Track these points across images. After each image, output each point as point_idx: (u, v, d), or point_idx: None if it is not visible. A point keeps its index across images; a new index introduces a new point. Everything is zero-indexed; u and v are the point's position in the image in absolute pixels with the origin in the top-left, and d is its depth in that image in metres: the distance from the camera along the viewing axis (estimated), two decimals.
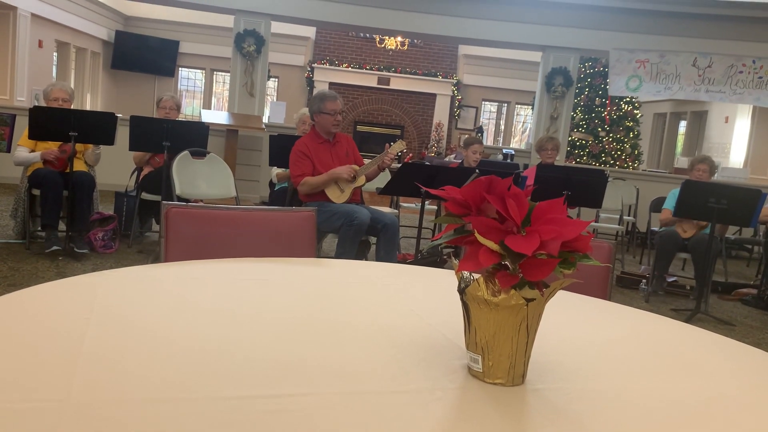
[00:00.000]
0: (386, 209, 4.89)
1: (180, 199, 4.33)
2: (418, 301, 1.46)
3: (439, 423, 0.86)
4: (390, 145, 4.13)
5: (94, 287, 1.27)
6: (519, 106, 14.54)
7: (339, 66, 13.43)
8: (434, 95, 13.81)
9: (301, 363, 1.01)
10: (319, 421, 0.82)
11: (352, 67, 13.47)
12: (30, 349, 0.94)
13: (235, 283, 1.44)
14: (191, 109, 14.10)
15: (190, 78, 14.08)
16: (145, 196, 4.86)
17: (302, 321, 1.24)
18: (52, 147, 4.48)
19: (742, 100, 7.73)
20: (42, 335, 1.00)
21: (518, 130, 14.95)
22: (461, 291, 1.00)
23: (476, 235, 0.93)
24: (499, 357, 0.98)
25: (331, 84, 13.24)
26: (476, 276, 0.99)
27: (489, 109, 14.70)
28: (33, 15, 9.45)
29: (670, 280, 5.39)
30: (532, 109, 9.73)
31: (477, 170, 4.31)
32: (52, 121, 4.24)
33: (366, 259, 4.61)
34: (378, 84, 13.63)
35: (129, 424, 0.76)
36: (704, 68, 7.60)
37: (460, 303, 1.03)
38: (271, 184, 5.59)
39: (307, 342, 1.11)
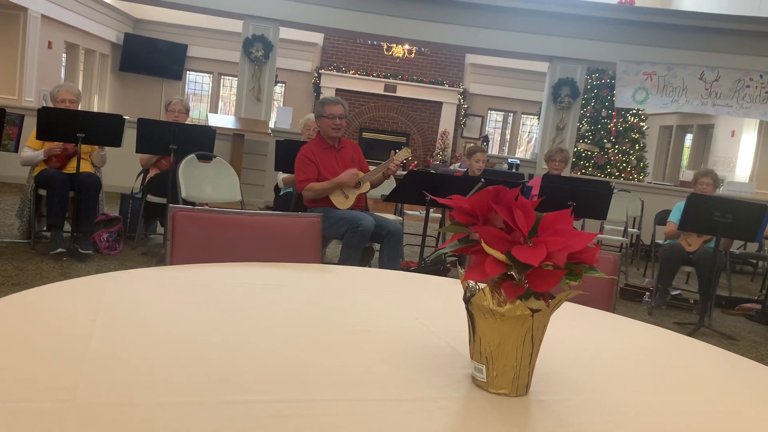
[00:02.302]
0: (390, 216, 4.89)
1: (186, 202, 4.35)
2: (422, 309, 1.46)
3: None
4: (396, 153, 4.14)
5: (101, 288, 1.28)
6: (525, 116, 14.56)
7: (346, 72, 13.47)
8: (440, 103, 13.83)
9: (304, 368, 1.01)
10: (322, 428, 0.82)
11: (359, 74, 13.51)
12: (36, 349, 0.94)
13: (241, 287, 1.44)
14: (198, 112, 14.15)
15: (197, 81, 14.14)
16: (150, 198, 4.87)
17: (307, 326, 1.24)
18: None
19: (748, 114, 7.73)
20: (48, 336, 1.01)
21: (524, 139, 14.96)
22: (467, 300, 1.00)
23: (483, 244, 0.93)
24: (504, 367, 0.98)
25: (337, 90, 13.29)
26: (482, 285, 1.00)
27: (495, 118, 14.72)
28: (43, 16, 9.51)
29: (674, 293, 5.37)
30: (539, 119, 9.74)
31: (482, 179, 4.31)
32: (59, 122, 4.26)
33: (369, 266, 4.61)
34: (384, 91, 13.66)
35: (133, 427, 0.76)
36: (711, 82, 7.60)
37: (464, 312, 1.03)
38: (276, 189, 5.60)
39: (311, 347, 1.11)
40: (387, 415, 0.88)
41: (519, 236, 0.93)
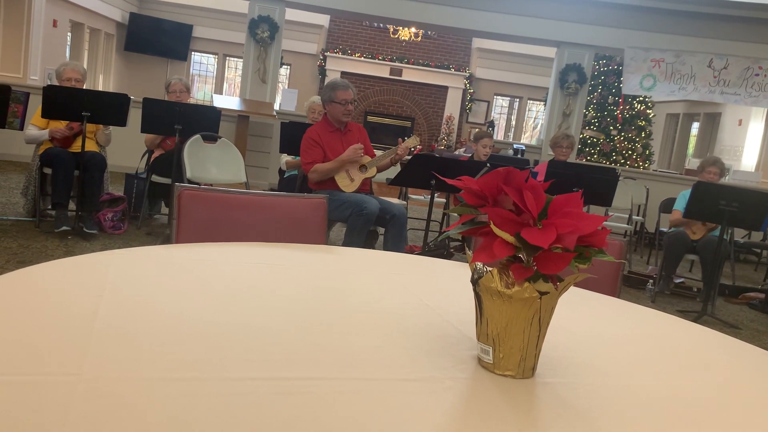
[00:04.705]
0: (395, 200, 4.88)
1: (190, 182, 4.34)
2: (428, 292, 1.46)
3: (448, 412, 0.86)
4: (404, 140, 4.13)
5: (107, 265, 1.28)
6: (531, 101, 14.48)
7: (351, 55, 13.40)
8: (446, 88, 13.76)
9: (310, 348, 1.01)
10: (328, 406, 0.82)
11: (364, 57, 13.44)
12: (43, 324, 0.95)
13: (246, 267, 1.44)
14: (203, 93, 14.11)
15: (202, 62, 14.08)
16: (155, 178, 4.87)
17: (312, 306, 1.24)
18: (62, 125, 4.51)
19: (757, 103, 7.67)
20: (55, 311, 1.01)
21: (529, 125, 14.90)
22: (474, 282, 1.00)
23: (492, 226, 0.92)
24: (510, 349, 0.98)
25: (343, 73, 13.22)
26: (490, 267, 0.99)
27: (501, 103, 14.64)
28: None
29: (677, 281, 5.37)
30: (545, 105, 9.68)
31: (488, 164, 4.30)
32: (65, 101, 4.25)
33: (373, 249, 4.61)
34: (390, 75, 13.59)
35: (139, 401, 0.76)
36: (720, 70, 7.54)
37: (470, 295, 1.02)
38: (281, 172, 5.60)
39: (316, 327, 1.11)
40: (392, 395, 0.88)
41: (528, 218, 0.93)
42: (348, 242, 3.95)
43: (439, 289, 1.51)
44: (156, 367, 0.86)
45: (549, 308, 0.98)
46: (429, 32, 13.12)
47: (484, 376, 0.98)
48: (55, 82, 4.64)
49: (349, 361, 0.98)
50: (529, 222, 0.93)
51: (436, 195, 4.45)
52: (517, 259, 0.97)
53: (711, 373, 1.18)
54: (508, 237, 0.92)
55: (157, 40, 12.59)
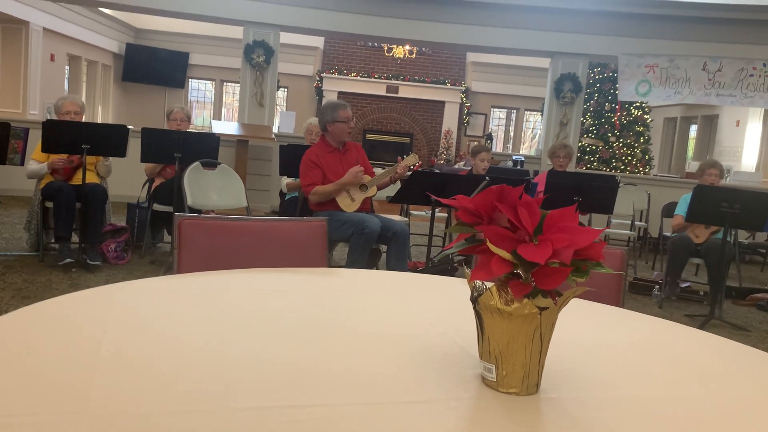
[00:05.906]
0: (396, 217, 4.89)
1: (191, 210, 4.36)
2: (430, 310, 1.46)
3: None
4: (403, 158, 4.15)
5: (110, 299, 1.28)
6: (528, 112, 14.53)
7: (347, 75, 13.48)
8: (443, 103, 13.82)
9: (314, 373, 1.01)
10: None
11: (360, 76, 13.52)
12: (48, 362, 0.95)
13: (249, 294, 1.45)
14: (201, 120, 14.19)
15: (200, 89, 14.18)
16: (156, 207, 4.89)
17: (315, 331, 1.24)
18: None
19: (753, 103, 7.69)
20: (59, 348, 1.01)
21: (528, 136, 14.94)
22: (474, 300, 1.00)
23: (488, 244, 0.93)
24: (513, 366, 0.98)
25: (339, 93, 13.30)
26: (489, 285, 0.99)
27: (498, 115, 14.69)
28: (45, 29, 9.56)
29: (684, 285, 5.35)
30: (542, 115, 9.71)
31: (487, 178, 4.31)
32: (64, 134, 4.28)
33: (377, 268, 4.61)
34: (387, 92, 13.66)
35: None
36: (714, 72, 7.57)
37: (472, 311, 1.02)
38: (282, 194, 5.61)
39: (320, 352, 1.11)
40: (397, 418, 0.88)
41: (524, 235, 0.93)
42: (351, 262, 3.95)
43: (442, 307, 1.51)
44: (162, 400, 0.87)
45: (549, 323, 0.98)
46: (423, 49, 13.21)
47: (488, 394, 0.98)
48: (54, 116, 4.68)
49: (353, 386, 0.98)
50: (525, 238, 0.93)
51: (437, 210, 4.46)
52: (515, 276, 0.97)
53: (719, 381, 1.17)
54: (505, 254, 0.92)
55: (153, 69, 12.70)
